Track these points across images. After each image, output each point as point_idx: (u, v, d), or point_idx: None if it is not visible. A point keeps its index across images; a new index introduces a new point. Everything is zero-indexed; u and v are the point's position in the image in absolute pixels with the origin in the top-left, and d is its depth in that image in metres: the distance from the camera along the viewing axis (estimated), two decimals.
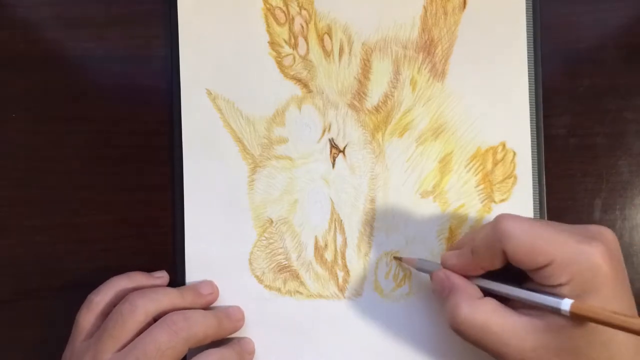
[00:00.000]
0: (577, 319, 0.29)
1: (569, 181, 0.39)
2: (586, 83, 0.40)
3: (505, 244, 0.31)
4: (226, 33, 0.39)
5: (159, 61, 0.40)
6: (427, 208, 0.39)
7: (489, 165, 0.39)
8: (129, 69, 0.40)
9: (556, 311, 0.30)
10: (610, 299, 0.29)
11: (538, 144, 0.39)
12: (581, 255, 0.29)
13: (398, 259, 0.38)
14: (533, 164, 0.39)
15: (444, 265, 0.34)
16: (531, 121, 0.39)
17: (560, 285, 0.30)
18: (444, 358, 0.38)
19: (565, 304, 0.29)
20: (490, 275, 0.33)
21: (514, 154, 0.39)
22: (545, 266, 0.30)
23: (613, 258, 0.30)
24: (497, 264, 0.32)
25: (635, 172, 0.39)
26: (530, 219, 0.32)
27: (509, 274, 0.32)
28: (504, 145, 0.39)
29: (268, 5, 0.39)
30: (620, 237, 0.34)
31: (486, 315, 0.31)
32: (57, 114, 0.40)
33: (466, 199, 0.39)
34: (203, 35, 0.39)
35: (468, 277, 0.34)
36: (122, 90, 0.40)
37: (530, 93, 0.39)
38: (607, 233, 0.31)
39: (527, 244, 0.30)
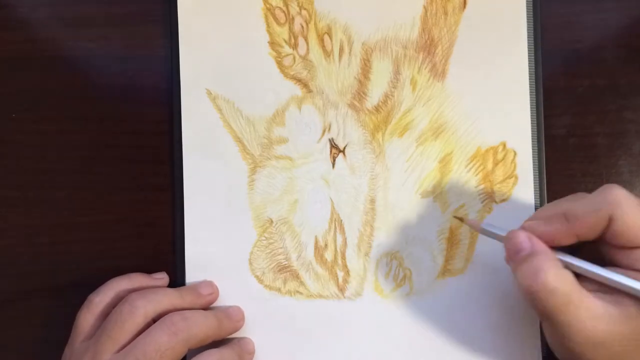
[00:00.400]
0: None
1: (569, 181, 0.39)
2: (586, 83, 0.40)
3: (615, 212, 0.30)
4: (226, 33, 0.39)
5: (159, 61, 0.40)
6: (427, 208, 0.39)
7: (490, 165, 0.39)
8: (129, 69, 0.40)
9: None
10: None
11: (538, 144, 0.39)
12: None
13: (459, 218, 0.37)
14: (533, 164, 0.39)
15: (530, 229, 0.33)
16: (531, 121, 0.39)
17: None
18: (444, 358, 0.38)
19: None
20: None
21: (515, 154, 0.39)
22: None
23: None
24: (596, 232, 0.31)
25: (635, 172, 0.39)
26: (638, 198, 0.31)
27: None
28: (504, 145, 0.39)
29: (268, 5, 0.39)
30: None
31: (571, 286, 0.30)
32: (57, 114, 0.40)
33: (466, 199, 0.39)
34: (203, 35, 0.39)
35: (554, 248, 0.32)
36: (122, 90, 0.40)
37: (530, 93, 0.39)
38: None
39: (637, 216, 0.30)
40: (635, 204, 0.30)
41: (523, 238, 0.32)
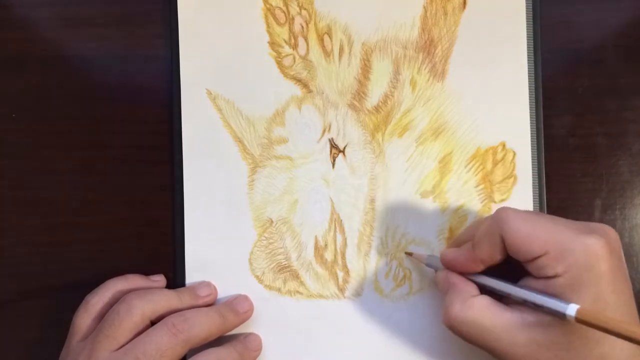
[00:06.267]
0: (582, 324, 0.28)
1: (569, 181, 0.39)
2: (586, 83, 0.40)
3: (503, 230, 0.30)
4: (226, 33, 0.39)
5: (159, 61, 0.40)
6: (427, 208, 0.39)
7: (489, 165, 0.39)
8: (129, 69, 0.40)
9: (560, 315, 0.29)
10: (607, 294, 0.29)
11: (538, 144, 0.39)
12: (578, 246, 0.29)
13: (409, 254, 0.38)
14: (533, 164, 0.39)
15: (443, 261, 0.34)
16: (531, 121, 0.39)
17: (555, 276, 0.29)
18: (444, 358, 0.38)
19: (572, 310, 0.28)
20: (490, 274, 0.33)
21: (514, 154, 0.39)
22: (541, 256, 0.30)
23: (612, 253, 0.29)
24: (496, 256, 0.32)
25: (635, 172, 0.39)
26: (531, 211, 0.31)
27: (507, 274, 0.32)
28: (503, 145, 0.39)
29: (268, 5, 0.39)
30: (620, 237, 0.34)
31: (478, 312, 0.31)
32: (57, 114, 0.40)
33: (466, 199, 0.39)
34: (203, 35, 0.39)
35: (468, 274, 0.33)
36: (122, 90, 0.40)
37: (530, 93, 0.39)
38: (609, 230, 0.31)
39: (524, 231, 0.30)
40: (522, 219, 0.30)
41: (442, 277, 0.34)
